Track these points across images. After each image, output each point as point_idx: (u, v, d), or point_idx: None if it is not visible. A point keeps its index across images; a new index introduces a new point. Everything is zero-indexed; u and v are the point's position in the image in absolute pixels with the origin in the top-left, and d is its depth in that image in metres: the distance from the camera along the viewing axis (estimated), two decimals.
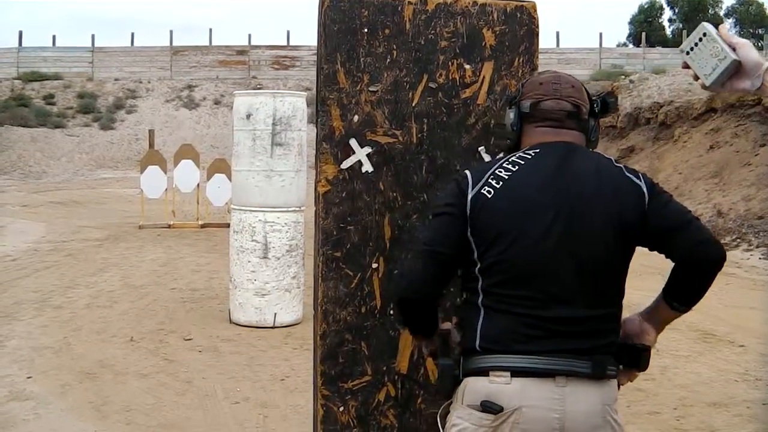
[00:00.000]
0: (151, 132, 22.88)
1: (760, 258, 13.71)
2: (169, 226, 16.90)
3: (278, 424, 6.01)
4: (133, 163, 31.30)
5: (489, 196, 2.69)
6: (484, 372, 2.63)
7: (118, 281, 11.26)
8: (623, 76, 29.02)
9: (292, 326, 8.72)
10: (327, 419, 3.31)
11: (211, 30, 56.50)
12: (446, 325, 2.87)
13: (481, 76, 3.40)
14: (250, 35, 43.80)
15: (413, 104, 3.34)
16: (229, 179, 14.21)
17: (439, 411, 2.83)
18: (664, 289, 2.80)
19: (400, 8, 3.36)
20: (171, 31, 58.33)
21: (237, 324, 8.80)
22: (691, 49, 2.42)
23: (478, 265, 2.69)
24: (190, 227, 17.01)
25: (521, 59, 3.45)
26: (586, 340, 2.61)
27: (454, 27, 3.39)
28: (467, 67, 3.40)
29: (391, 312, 3.30)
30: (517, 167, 2.73)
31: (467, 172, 2.80)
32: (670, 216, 2.72)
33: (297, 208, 8.84)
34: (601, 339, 2.64)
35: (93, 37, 42.85)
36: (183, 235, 16.13)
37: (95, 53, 42.29)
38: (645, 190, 2.71)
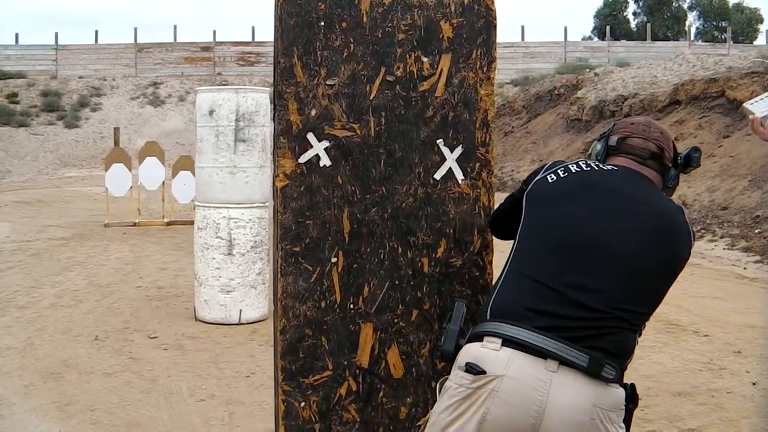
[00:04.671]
0: (116, 130, 22.67)
1: (724, 248, 13.80)
2: (135, 224, 16.78)
3: (244, 420, 5.99)
4: (98, 161, 31.09)
5: (550, 181, 2.94)
6: (479, 337, 2.69)
7: (83, 280, 11.17)
8: (588, 70, 29.17)
9: (258, 323, 8.68)
10: (288, 415, 3.30)
11: (175, 27, 55.85)
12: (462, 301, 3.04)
13: (439, 69, 3.40)
14: (214, 31, 43.52)
15: (371, 97, 3.33)
16: (194, 176, 14.17)
17: (439, 380, 2.90)
18: None
19: (356, 1, 3.35)
20: (135, 28, 57.76)
21: (202, 321, 8.74)
22: (754, 103, 3.32)
23: (519, 230, 2.92)
24: (156, 225, 16.89)
25: (479, 51, 3.44)
26: (590, 335, 2.60)
27: (412, 19, 3.38)
28: (425, 59, 3.39)
29: (351, 306, 3.30)
30: (590, 168, 2.94)
31: (548, 162, 3.10)
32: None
33: (261, 204, 8.80)
34: (610, 337, 2.63)
35: (56, 34, 42.41)
36: (149, 233, 16.02)
37: (59, 51, 42.06)
38: (692, 237, 2.88)
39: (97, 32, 52.62)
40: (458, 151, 3.38)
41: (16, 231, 16.16)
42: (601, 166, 2.95)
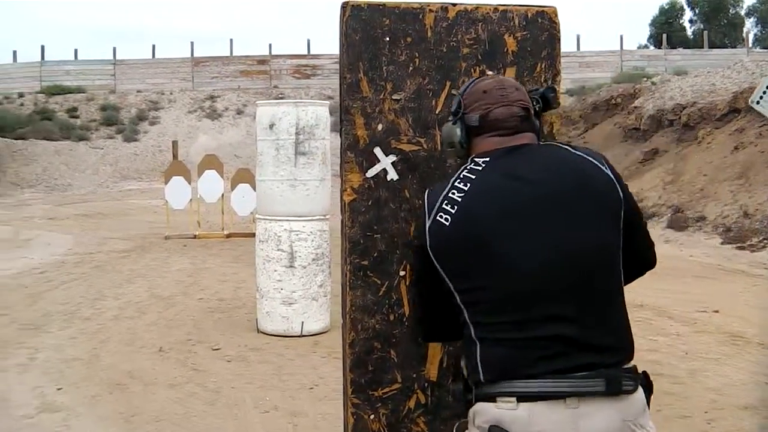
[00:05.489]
0: (175, 143, 22.98)
1: None
2: (195, 237, 16.98)
3: None
4: (157, 174, 31.46)
5: (447, 224, 2.56)
6: (491, 398, 2.50)
7: (145, 292, 11.33)
8: (645, 78, 28.92)
9: (320, 335, 8.74)
10: (358, 427, 3.31)
11: (231, 40, 56.73)
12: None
13: None
14: (270, 45, 44.05)
15: (437, 111, 3.34)
16: (253, 189, 14.27)
17: (456, 425, 2.78)
18: None
19: (421, 16, 3.37)
20: (192, 43, 58.91)
21: (264, 333, 8.84)
22: (761, 98, 2.86)
23: (458, 297, 2.56)
24: (216, 237, 17.08)
25: (543, 64, 3.45)
26: (594, 354, 2.47)
27: (476, 33, 3.39)
28: (490, 73, 3.40)
29: None
30: (469, 185, 2.59)
31: (425, 195, 2.70)
32: (635, 211, 2.67)
33: (322, 217, 8.87)
34: (612, 347, 2.52)
35: (114, 49, 42.97)
36: (208, 245, 16.20)
37: (117, 66, 42.60)
38: (612, 177, 2.61)
39: (154, 47, 53.55)
40: None
41: (78, 243, 16.43)
42: (475, 168, 2.62)
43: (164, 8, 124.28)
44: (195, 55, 43.38)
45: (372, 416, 3.31)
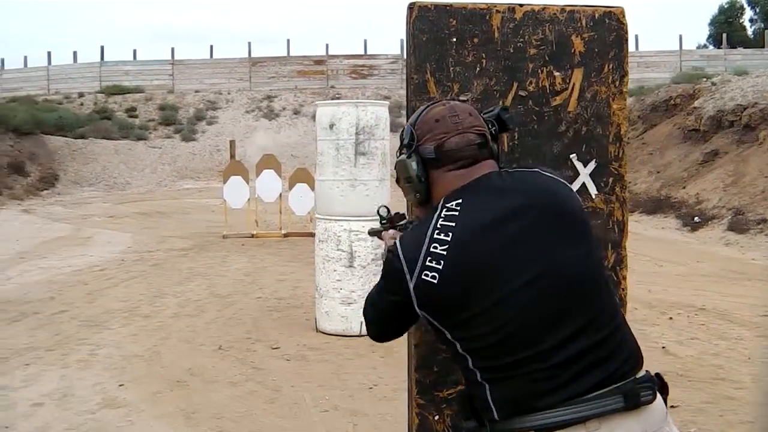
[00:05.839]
0: (232, 143, 23.11)
1: None
2: (253, 236, 17.05)
3: None
4: (214, 173, 31.71)
5: (436, 282, 2.42)
6: None
7: (204, 290, 11.42)
8: (705, 79, 28.59)
9: None
10: (422, 428, 3.32)
11: (288, 41, 56.80)
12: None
13: (571, 84, 3.40)
14: (327, 45, 43.95)
15: None
16: (311, 189, 14.33)
17: None
18: None
19: (488, 17, 3.37)
20: (249, 43, 59.16)
21: (323, 332, 8.87)
22: None
23: (458, 345, 2.47)
24: (273, 236, 17.13)
25: (611, 65, 3.43)
26: (606, 369, 2.40)
27: (543, 34, 3.39)
28: (557, 74, 3.40)
29: None
30: (450, 234, 2.45)
31: (399, 251, 2.51)
32: None
33: None
34: (621, 358, 2.45)
35: (173, 50, 43.32)
36: (266, 244, 16.26)
37: (175, 66, 42.99)
38: (577, 195, 2.62)
39: (212, 47, 53.81)
40: (591, 165, 3.37)
41: (137, 242, 16.60)
42: (451, 214, 2.47)
43: (222, 9, 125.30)
44: (252, 55, 43.64)
45: (437, 417, 3.32)
